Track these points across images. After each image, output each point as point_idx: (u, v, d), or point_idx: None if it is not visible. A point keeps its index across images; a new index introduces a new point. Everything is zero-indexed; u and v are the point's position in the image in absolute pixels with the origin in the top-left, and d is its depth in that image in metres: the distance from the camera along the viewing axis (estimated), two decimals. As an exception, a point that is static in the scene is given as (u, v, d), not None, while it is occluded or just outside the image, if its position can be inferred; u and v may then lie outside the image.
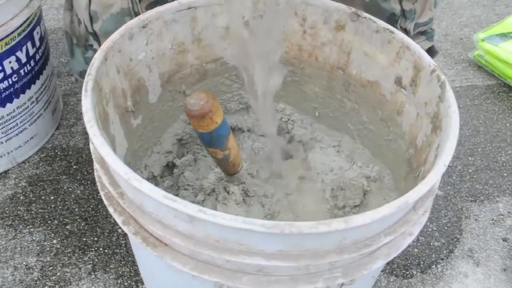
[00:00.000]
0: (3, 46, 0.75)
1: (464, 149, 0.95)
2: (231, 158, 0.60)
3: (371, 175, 0.67)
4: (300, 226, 0.38)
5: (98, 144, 0.44)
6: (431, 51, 0.83)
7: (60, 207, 0.81)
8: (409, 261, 0.77)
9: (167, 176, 0.70)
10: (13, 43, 0.76)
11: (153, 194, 0.40)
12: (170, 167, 0.70)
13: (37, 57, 0.82)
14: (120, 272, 0.73)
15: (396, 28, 0.75)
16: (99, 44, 0.74)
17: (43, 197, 0.82)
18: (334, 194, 0.69)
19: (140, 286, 0.71)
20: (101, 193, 0.49)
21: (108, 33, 0.72)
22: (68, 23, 0.78)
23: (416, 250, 0.78)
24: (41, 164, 0.87)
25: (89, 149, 0.89)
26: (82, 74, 0.77)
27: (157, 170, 0.68)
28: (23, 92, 0.82)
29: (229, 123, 0.71)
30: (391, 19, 0.74)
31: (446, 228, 0.82)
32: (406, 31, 0.76)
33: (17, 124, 0.83)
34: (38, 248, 0.75)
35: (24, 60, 0.80)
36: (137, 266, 0.73)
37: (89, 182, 0.84)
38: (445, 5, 1.32)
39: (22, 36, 0.77)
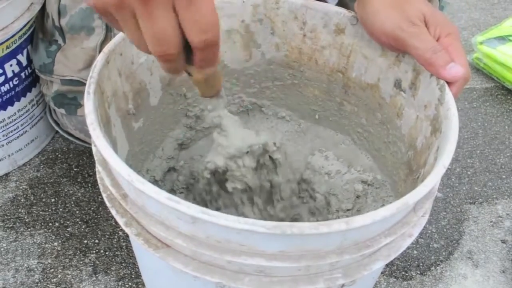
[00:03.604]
0: (4, 49, 0.75)
1: (463, 151, 0.95)
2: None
3: (369, 179, 0.68)
4: (301, 226, 0.39)
5: (101, 146, 0.44)
6: None
7: (61, 209, 0.81)
8: (409, 263, 0.77)
9: (167, 180, 0.70)
10: (14, 46, 0.77)
11: (157, 196, 0.40)
12: (171, 171, 0.71)
13: (38, 60, 0.83)
14: (121, 274, 0.73)
15: None
16: (64, 40, 0.74)
17: (44, 200, 0.82)
18: (327, 200, 0.69)
19: (141, 288, 0.72)
20: (103, 195, 0.49)
21: (73, 28, 0.72)
22: (38, 19, 0.79)
23: (415, 252, 0.79)
24: (41, 166, 0.88)
25: (89, 151, 0.90)
26: (42, 68, 0.77)
27: (158, 175, 0.68)
28: (24, 95, 0.82)
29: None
30: None
31: (445, 230, 0.82)
32: None
33: (18, 127, 0.84)
34: (39, 250, 0.76)
35: (25, 63, 0.80)
36: (138, 268, 0.73)
37: (89, 185, 0.85)
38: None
39: (23, 39, 0.78)
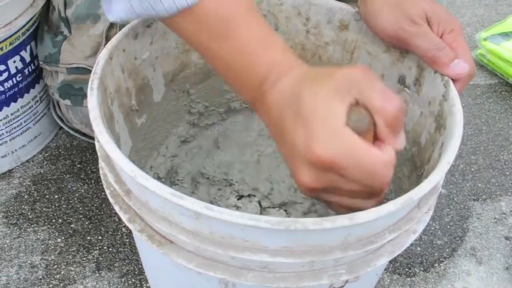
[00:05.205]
0: (8, 45, 0.75)
1: (466, 148, 0.95)
2: None
3: None
4: (305, 222, 0.39)
5: (104, 141, 0.44)
6: None
7: (64, 206, 0.81)
8: (412, 260, 0.77)
9: (170, 177, 0.71)
10: (18, 42, 0.77)
11: (160, 191, 0.40)
12: (174, 169, 0.71)
13: (41, 56, 0.83)
14: (125, 271, 0.73)
15: None
16: (70, 31, 0.74)
17: (47, 196, 0.82)
18: None
19: (145, 285, 0.72)
20: (107, 191, 0.49)
21: (79, 17, 0.72)
22: (44, 13, 0.79)
23: (419, 248, 0.78)
24: (45, 163, 0.88)
25: (92, 148, 0.90)
26: (47, 58, 0.77)
27: (162, 172, 0.68)
28: (27, 92, 0.82)
29: (234, 121, 0.72)
30: None
31: (448, 226, 0.82)
32: None
33: (21, 123, 0.84)
34: (42, 246, 0.76)
35: (28, 59, 0.80)
36: (141, 264, 0.73)
37: (93, 181, 0.85)
38: (447, 4, 1.32)
39: (26, 35, 0.78)
